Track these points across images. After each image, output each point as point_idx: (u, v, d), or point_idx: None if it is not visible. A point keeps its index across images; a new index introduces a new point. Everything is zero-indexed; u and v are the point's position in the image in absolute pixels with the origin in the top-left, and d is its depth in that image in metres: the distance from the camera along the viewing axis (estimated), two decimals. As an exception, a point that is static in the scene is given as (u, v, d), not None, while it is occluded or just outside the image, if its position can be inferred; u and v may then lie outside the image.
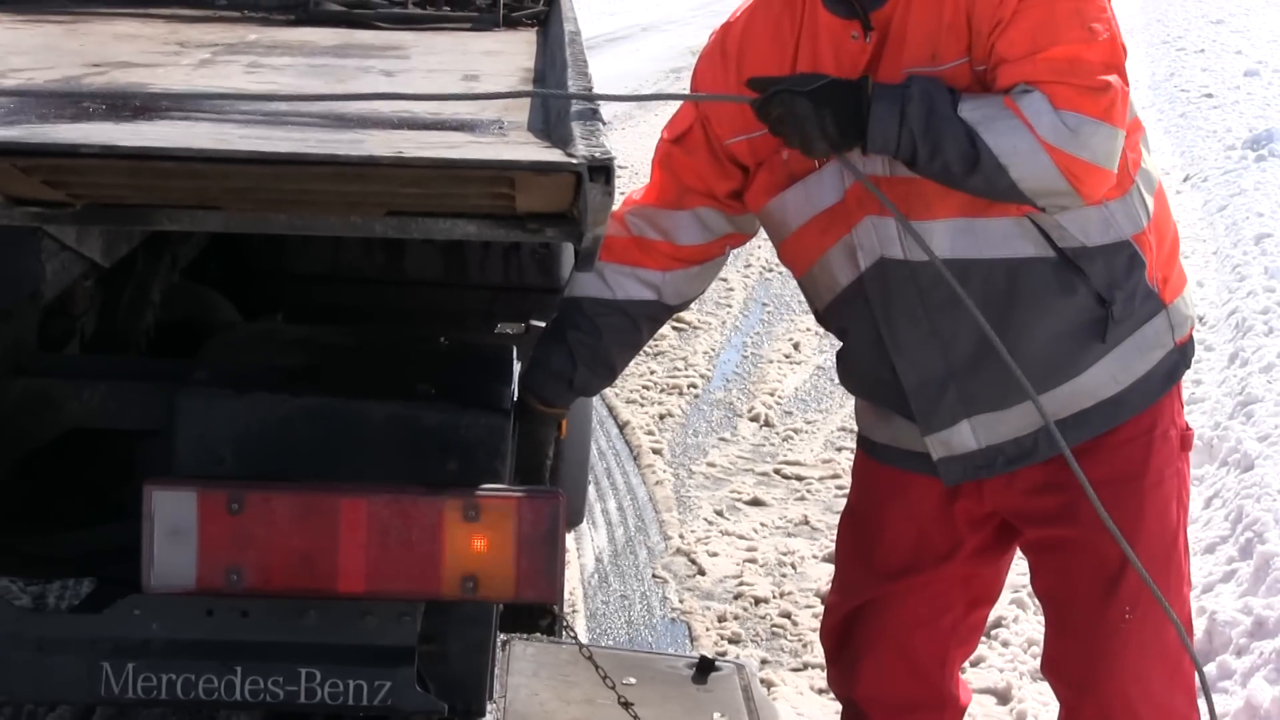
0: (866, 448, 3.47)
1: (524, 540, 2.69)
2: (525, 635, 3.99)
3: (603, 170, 2.25)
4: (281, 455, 2.79)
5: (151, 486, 2.66)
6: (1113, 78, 2.87)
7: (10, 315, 3.10)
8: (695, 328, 8.38)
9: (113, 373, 3.20)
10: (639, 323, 3.33)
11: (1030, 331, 3.09)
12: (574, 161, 2.25)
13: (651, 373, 7.73)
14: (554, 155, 2.35)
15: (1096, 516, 3.13)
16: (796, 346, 8.30)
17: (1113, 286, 3.12)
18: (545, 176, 2.28)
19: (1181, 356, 3.30)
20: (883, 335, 3.18)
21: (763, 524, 6.19)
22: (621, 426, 7.08)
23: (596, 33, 19.82)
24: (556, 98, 2.91)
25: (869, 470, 3.48)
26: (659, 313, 3.37)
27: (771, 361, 8.11)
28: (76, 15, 4.55)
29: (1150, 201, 3.19)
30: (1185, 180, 12.09)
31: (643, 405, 7.38)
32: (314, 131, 2.73)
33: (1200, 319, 8.27)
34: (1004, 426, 3.20)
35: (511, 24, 4.92)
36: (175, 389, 2.88)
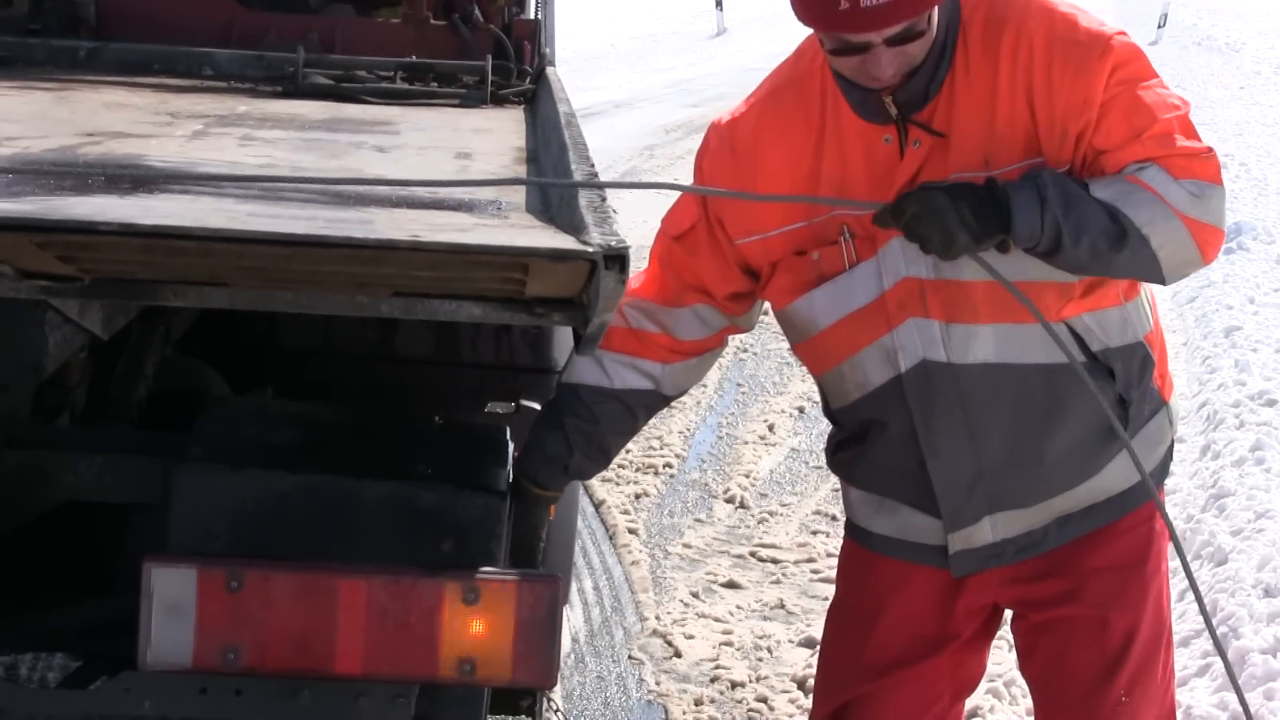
0: (862, 539, 3.45)
1: (523, 624, 2.69)
2: (509, 716, 3.97)
3: (618, 259, 2.25)
4: (276, 532, 2.79)
5: (151, 563, 2.65)
6: (1209, 144, 2.98)
7: (8, 388, 3.09)
8: (671, 408, 8.31)
9: (108, 446, 3.19)
10: (635, 411, 3.33)
11: (1063, 433, 3.14)
12: (590, 250, 2.25)
13: (627, 452, 7.70)
14: (568, 243, 2.36)
15: (1101, 597, 3.20)
16: (771, 428, 8.30)
17: (1130, 386, 3.17)
18: (560, 264, 2.28)
19: (1170, 453, 3.37)
20: (918, 434, 3.18)
21: (739, 606, 6.18)
22: (597, 505, 7.07)
23: (572, 108, 19.91)
24: (613, 188, 2.88)
25: (864, 562, 3.46)
26: (656, 402, 3.37)
27: (747, 443, 8.11)
28: (64, 83, 4.55)
29: (1151, 305, 3.27)
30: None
31: (619, 484, 7.37)
32: (318, 209, 2.73)
33: (1176, 409, 8.32)
34: (1021, 522, 3.23)
35: (499, 101, 4.94)
36: (171, 464, 2.87)
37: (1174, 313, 10.73)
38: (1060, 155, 2.98)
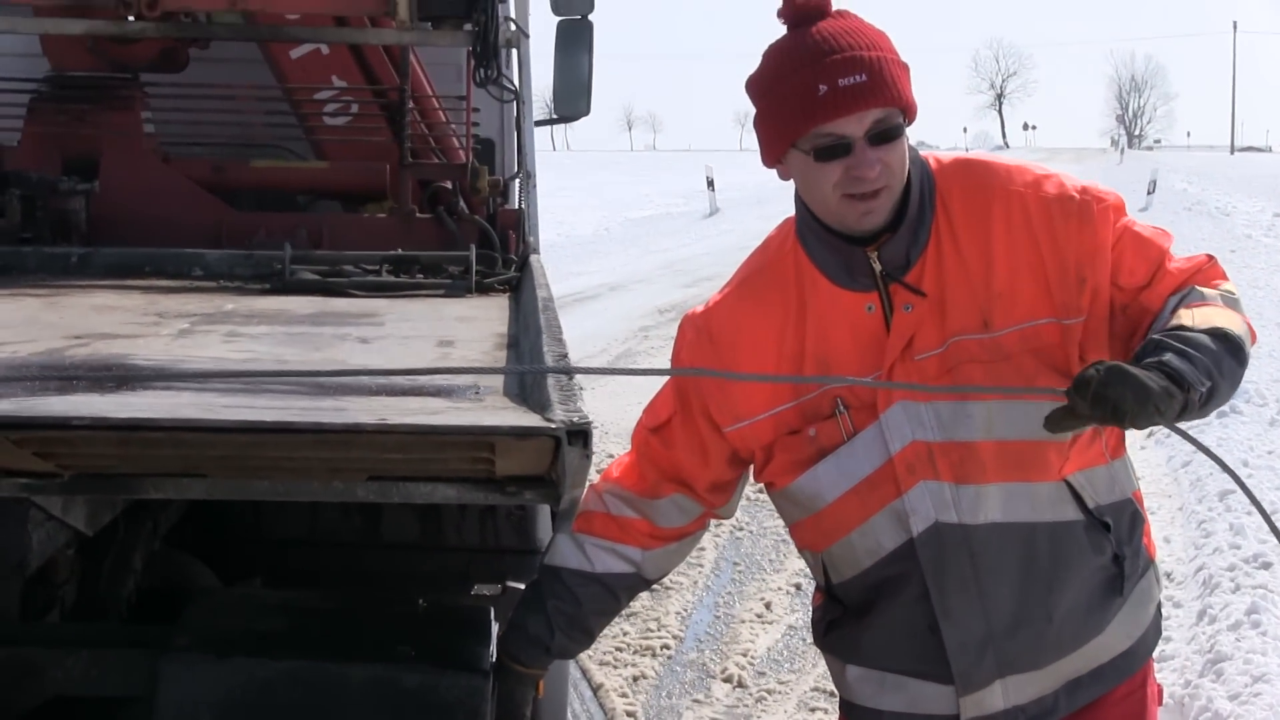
0: (858, 716, 3.38)
1: (506, 803, 2.71)
2: None
3: (580, 434, 2.32)
4: (263, 719, 2.82)
5: (135, 753, 2.68)
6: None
7: (-7, 586, 3.14)
8: (667, 588, 8.37)
9: (95, 640, 3.22)
10: (617, 593, 3.34)
11: (1071, 591, 3.14)
12: (553, 426, 2.32)
13: (624, 634, 7.70)
14: (532, 420, 2.42)
15: None
16: (768, 606, 8.29)
17: (1123, 543, 3.19)
18: (525, 441, 2.34)
19: (1160, 610, 3.38)
20: (931, 596, 3.16)
21: (738, 786, 6.16)
22: (595, 689, 7.04)
23: (564, 292, 20.06)
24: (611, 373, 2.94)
25: None
26: (637, 584, 3.37)
27: (744, 621, 8.09)
28: (55, 288, 4.64)
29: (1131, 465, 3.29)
30: (1149, 436, 12.18)
31: (616, 667, 7.35)
32: (296, 400, 2.79)
33: (1168, 575, 8.31)
34: (1032, 687, 3.21)
35: (484, 290, 5.03)
36: (157, 655, 2.90)
37: (1169, 477, 10.74)
38: (1076, 303, 3.02)
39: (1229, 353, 2.88)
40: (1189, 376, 2.76)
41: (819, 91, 2.89)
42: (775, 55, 2.99)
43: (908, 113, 2.97)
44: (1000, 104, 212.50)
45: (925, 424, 3.06)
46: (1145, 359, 2.80)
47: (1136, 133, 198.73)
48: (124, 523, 3.79)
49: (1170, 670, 6.81)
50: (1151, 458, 11.22)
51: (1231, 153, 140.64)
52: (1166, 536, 9.07)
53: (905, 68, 2.97)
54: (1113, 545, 3.17)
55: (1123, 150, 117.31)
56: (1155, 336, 2.88)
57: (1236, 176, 63.64)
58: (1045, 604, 3.13)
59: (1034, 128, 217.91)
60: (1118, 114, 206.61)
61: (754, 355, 3.17)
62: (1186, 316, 2.92)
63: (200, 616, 3.13)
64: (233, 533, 4.67)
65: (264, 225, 5.58)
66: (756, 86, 3.02)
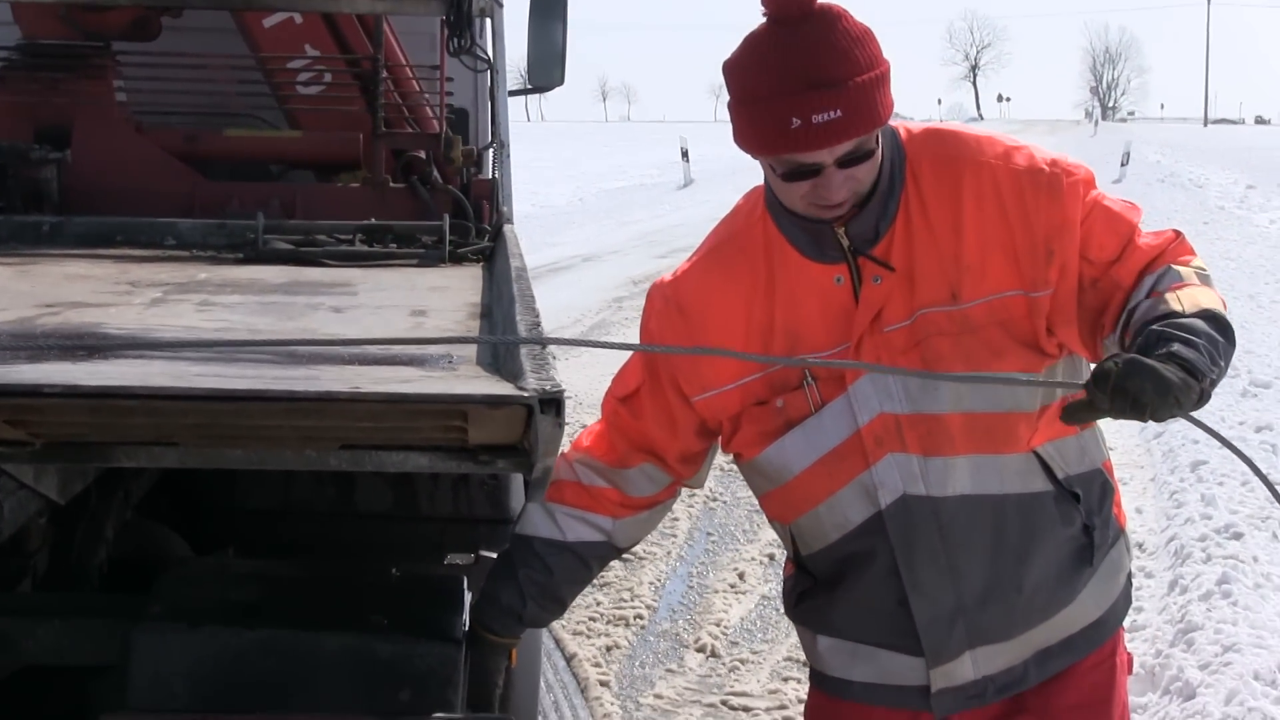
0: (838, 690, 3.38)
1: (477, 769, 2.72)
2: None
3: (553, 403, 2.32)
4: (236, 688, 2.82)
5: (108, 721, 2.68)
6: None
7: (-36, 555, 3.13)
8: (641, 558, 8.39)
9: (66, 610, 3.22)
10: (589, 562, 3.34)
11: (1041, 562, 3.14)
12: (525, 395, 2.32)
13: (598, 604, 7.72)
14: (505, 389, 2.42)
15: None
16: (742, 576, 8.31)
17: (1092, 513, 3.20)
18: (497, 410, 2.34)
19: (1130, 580, 3.39)
20: (900, 570, 3.17)
21: (712, 755, 6.18)
22: (569, 659, 7.06)
23: (539, 263, 20.05)
24: (598, 346, 2.96)
25: (838, 713, 3.40)
26: (609, 553, 3.37)
27: (717, 591, 8.11)
28: (27, 257, 4.62)
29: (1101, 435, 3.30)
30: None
31: (589, 637, 7.37)
32: (268, 369, 2.79)
33: (1140, 546, 8.34)
34: (1001, 657, 3.22)
35: (457, 260, 5.02)
36: (129, 625, 2.90)
37: (1141, 448, 10.79)
38: (1044, 275, 3.01)
39: (1223, 334, 2.87)
40: (1200, 366, 2.73)
41: (792, 124, 2.86)
42: (753, 61, 2.93)
43: (884, 120, 2.95)
44: (975, 76, 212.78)
45: (893, 396, 3.06)
46: (1153, 350, 2.76)
47: (1110, 105, 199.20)
48: (96, 492, 3.78)
49: (1141, 640, 6.84)
50: (1124, 428, 11.25)
51: (1205, 125, 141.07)
52: (1139, 507, 9.11)
53: (883, 78, 2.94)
54: (1082, 515, 3.18)
55: (1096, 122, 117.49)
56: (1156, 328, 2.83)
57: (1210, 148, 63.84)
58: (1015, 575, 3.14)
59: (1008, 99, 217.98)
60: (1092, 86, 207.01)
61: (723, 326, 3.16)
62: (1174, 301, 2.90)
63: (173, 586, 3.13)
64: (205, 502, 4.67)
65: (237, 195, 5.56)
66: (732, 87, 2.97)
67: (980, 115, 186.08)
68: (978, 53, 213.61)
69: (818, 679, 3.44)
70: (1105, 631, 3.28)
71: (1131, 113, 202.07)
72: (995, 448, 3.08)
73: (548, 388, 2.34)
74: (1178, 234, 3.08)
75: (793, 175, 2.94)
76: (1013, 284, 3.03)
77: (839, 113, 2.84)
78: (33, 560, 3.60)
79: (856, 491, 3.14)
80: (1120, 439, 10.84)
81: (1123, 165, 43.65)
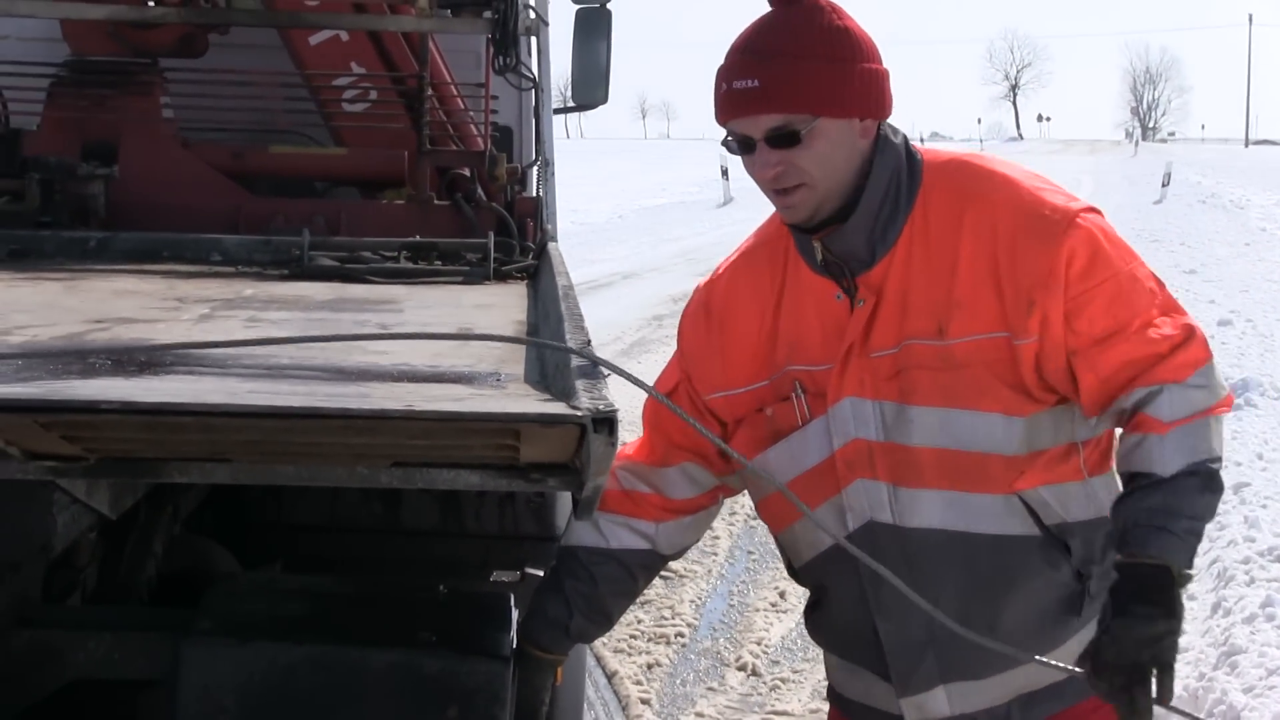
0: (840, 704, 3.45)
1: (526, 786, 2.72)
2: None
3: (606, 422, 2.32)
4: (284, 703, 2.83)
5: (159, 736, 2.69)
6: (1186, 318, 2.98)
7: (19, 568, 3.15)
8: (681, 576, 8.40)
9: (116, 624, 3.24)
10: (634, 571, 3.36)
11: (1014, 606, 3.09)
12: (579, 414, 2.32)
13: (639, 621, 7.73)
14: (558, 408, 2.42)
15: None
16: (783, 595, 8.31)
17: (1089, 562, 3.13)
18: (550, 428, 2.34)
19: None
20: (868, 596, 3.17)
21: (752, 774, 6.17)
22: (610, 676, 7.07)
23: (578, 280, 19.85)
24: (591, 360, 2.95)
25: None
26: (653, 561, 3.39)
27: (758, 610, 8.12)
28: (74, 272, 4.64)
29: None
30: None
31: (630, 655, 7.37)
32: (318, 385, 2.80)
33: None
34: (978, 696, 3.19)
35: (502, 277, 5.03)
36: (179, 639, 2.91)
37: (1183, 471, 10.72)
38: (1025, 324, 2.97)
39: (1208, 489, 2.89)
40: (1176, 565, 2.84)
41: (721, 90, 3.00)
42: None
43: (837, 115, 2.98)
44: (1014, 95, 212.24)
45: (869, 423, 3.06)
46: (1128, 547, 2.85)
47: (1151, 125, 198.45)
48: (145, 507, 3.80)
49: (1184, 663, 6.80)
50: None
51: (1246, 146, 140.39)
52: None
53: (840, 70, 2.98)
54: (1073, 563, 3.11)
55: (1137, 143, 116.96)
56: (1130, 514, 2.89)
57: (1251, 169, 63.53)
58: (988, 615, 3.08)
59: (1048, 119, 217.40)
60: (1132, 106, 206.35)
61: (741, 329, 3.22)
62: (1156, 450, 2.90)
63: (221, 601, 3.14)
64: (252, 518, 4.68)
65: (282, 211, 5.58)
66: None
67: (1020, 135, 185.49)
68: (1018, 72, 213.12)
69: (829, 690, 3.50)
70: None
71: (1172, 133, 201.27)
72: (967, 486, 3.05)
73: (601, 407, 2.34)
74: (1191, 332, 2.97)
75: (734, 148, 3.04)
76: (999, 326, 3.00)
77: (756, 82, 2.95)
78: (82, 575, 3.62)
79: (829, 513, 3.15)
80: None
81: (1164, 186, 43.51)
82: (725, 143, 3.07)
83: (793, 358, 3.14)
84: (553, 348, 3.02)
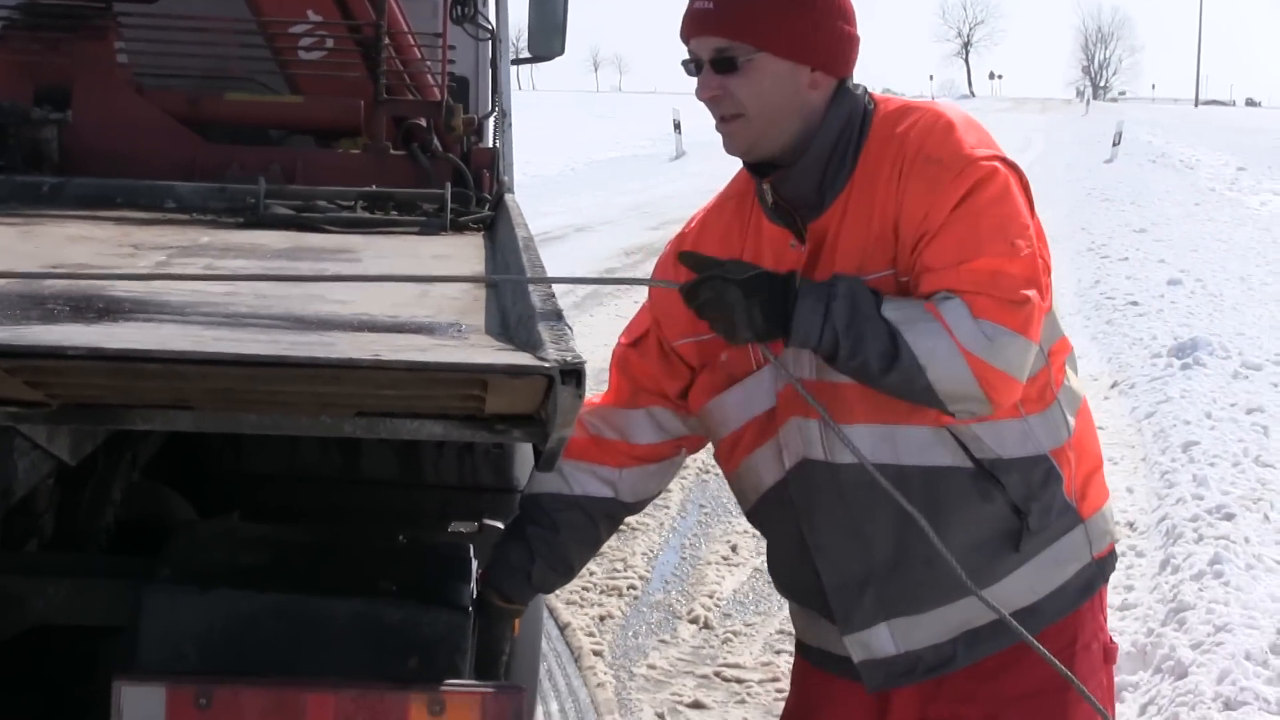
0: (802, 652, 3.50)
1: (488, 735, 2.72)
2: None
3: (574, 374, 2.32)
4: (245, 651, 2.82)
5: (120, 682, 2.68)
6: (1031, 293, 2.94)
7: (-24, 514, 3.13)
8: (634, 529, 8.40)
9: (77, 570, 3.23)
10: (597, 520, 3.38)
11: (947, 540, 3.07)
12: (547, 365, 2.32)
13: (591, 574, 7.72)
14: (526, 359, 2.43)
15: None
16: (734, 549, 8.33)
17: (1029, 499, 3.15)
18: (518, 379, 2.35)
19: (1099, 570, 3.34)
20: (805, 536, 3.22)
21: (704, 727, 6.19)
22: (562, 628, 7.07)
23: (531, 233, 20.00)
24: (512, 282, 2.97)
25: (804, 675, 3.51)
26: (616, 510, 3.42)
27: (710, 563, 8.13)
28: (28, 218, 4.61)
29: (1073, 420, 3.24)
30: (1113, 387, 12.27)
31: (583, 606, 7.38)
32: (280, 334, 2.80)
33: (1131, 525, 8.37)
34: (920, 632, 3.22)
35: (458, 228, 5.02)
36: (140, 586, 2.91)
37: (1132, 428, 10.81)
38: (902, 267, 3.03)
39: (881, 356, 2.92)
40: (796, 334, 2.96)
41: (686, 9, 3.13)
42: None
43: (781, 54, 3.07)
44: (967, 52, 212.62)
45: (803, 362, 3.11)
46: (806, 289, 2.97)
47: (1102, 84, 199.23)
48: (104, 454, 3.79)
49: (1133, 618, 6.87)
50: (1115, 408, 11.31)
51: (1196, 106, 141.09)
52: (1129, 487, 9.14)
53: (802, 11, 3.07)
54: (1008, 498, 3.14)
55: (1088, 101, 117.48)
56: (839, 282, 2.97)
57: (1201, 130, 63.86)
58: (923, 548, 3.09)
59: (1000, 77, 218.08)
60: (1084, 65, 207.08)
61: None
62: (905, 306, 2.95)
63: (183, 548, 3.13)
64: (211, 466, 4.67)
65: (237, 159, 5.55)
66: None
67: (972, 92, 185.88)
68: (970, 29, 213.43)
69: (796, 642, 3.55)
70: (1044, 618, 3.22)
71: (1123, 92, 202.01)
72: (894, 418, 3.09)
73: (569, 358, 2.34)
74: (1025, 300, 2.94)
75: (686, 67, 3.16)
76: (889, 263, 3.05)
77: (711, 4, 3.07)
78: (40, 521, 3.61)
79: (769, 454, 3.23)
80: (1110, 419, 10.88)
81: (1115, 145, 43.70)
82: (684, 63, 3.15)
83: None
84: (586, 282, 3.01)
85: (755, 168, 3.19)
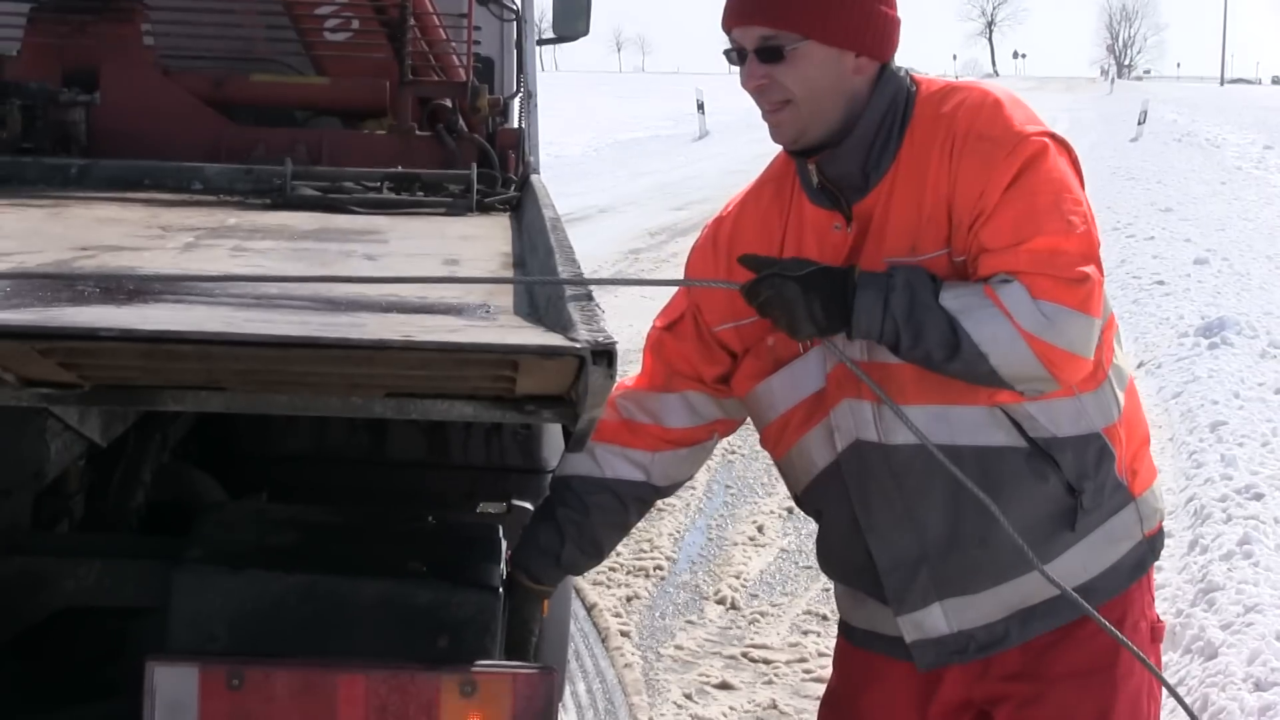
0: (846, 633, 3.50)
1: (520, 716, 2.72)
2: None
3: (605, 355, 2.32)
4: (275, 632, 2.83)
5: (153, 662, 2.69)
6: (1090, 269, 2.95)
7: (9, 494, 3.14)
8: (660, 510, 8.40)
9: (107, 551, 3.24)
10: (627, 503, 3.39)
11: (1007, 518, 3.09)
12: (578, 346, 2.32)
13: (617, 555, 7.72)
14: (558, 340, 2.42)
15: (1064, 706, 3.20)
16: (760, 529, 8.33)
17: (1082, 477, 3.17)
18: (549, 360, 2.34)
19: (1150, 548, 3.35)
20: (858, 517, 3.23)
21: (731, 708, 6.19)
22: (589, 609, 7.09)
23: (558, 213, 20.03)
24: (552, 284, 2.96)
25: (848, 656, 3.51)
26: (647, 494, 3.42)
27: (736, 544, 8.14)
28: (57, 200, 4.62)
29: (1122, 397, 3.25)
30: (1140, 367, 12.24)
31: (610, 587, 7.40)
32: (310, 315, 2.79)
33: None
34: (973, 611, 3.24)
35: (485, 209, 5.01)
36: (170, 567, 2.91)
37: (1159, 408, 10.78)
38: (957, 247, 3.04)
39: (943, 345, 2.95)
40: (858, 326, 2.98)
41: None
42: None
43: (826, 41, 3.07)
44: (990, 32, 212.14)
45: (856, 342, 3.10)
46: (865, 280, 2.98)
47: (1126, 63, 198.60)
48: (134, 436, 3.80)
49: (1162, 599, 6.85)
50: (1142, 388, 11.16)
51: (1221, 84, 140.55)
52: (1157, 467, 9.09)
53: (836, 1, 3.06)
54: (1063, 477, 3.15)
55: (1112, 80, 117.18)
56: (898, 272, 2.99)
57: (1226, 108, 63.61)
58: (978, 528, 3.14)
59: (1024, 56, 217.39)
60: (1108, 44, 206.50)
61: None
62: (964, 293, 2.96)
63: (212, 529, 3.14)
64: (241, 448, 4.68)
65: (263, 140, 5.55)
66: None
67: (995, 72, 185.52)
68: (994, 9, 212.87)
69: (839, 621, 3.55)
70: (1098, 597, 3.22)
71: (1148, 71, 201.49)
72: (947, 398, 3.09)
73: (600, 339, 2.33)
74: (1084, 278, 2.95)
75: (730, 56, 3.16)
76: (944, 244, 3.06)
77: None
78: (71, 503, 3.62)
79: (820, 436, 3.24)
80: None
81: (1140, 124, 43.58)
82: (726, 52, 3.15)
83: None
84: (555, 282, 3.00)
85: (800, 150, 3.18)
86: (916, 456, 3.12)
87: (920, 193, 3.08)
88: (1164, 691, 3.31)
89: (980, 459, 3.11)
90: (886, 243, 3.10)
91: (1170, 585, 7.06)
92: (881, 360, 3.08)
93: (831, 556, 3.43)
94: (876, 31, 3.10)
